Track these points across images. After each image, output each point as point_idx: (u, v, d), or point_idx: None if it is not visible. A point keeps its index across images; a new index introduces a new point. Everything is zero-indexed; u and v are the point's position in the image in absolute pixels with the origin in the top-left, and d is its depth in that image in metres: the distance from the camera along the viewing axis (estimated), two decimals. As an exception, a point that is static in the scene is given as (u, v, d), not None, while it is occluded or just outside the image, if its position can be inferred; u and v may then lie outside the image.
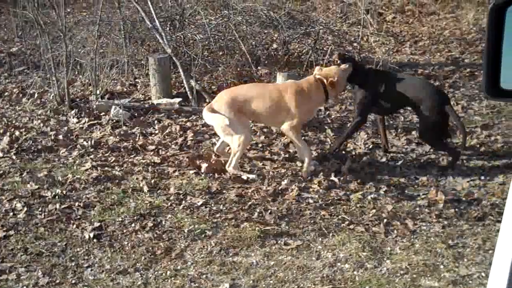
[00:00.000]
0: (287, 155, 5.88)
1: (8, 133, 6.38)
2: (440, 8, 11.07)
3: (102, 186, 5.31)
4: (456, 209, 4.85)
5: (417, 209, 4.90)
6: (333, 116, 6.83)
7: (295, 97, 5.43)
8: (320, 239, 4.49)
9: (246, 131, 5.42)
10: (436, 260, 4.20)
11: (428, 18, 10.86)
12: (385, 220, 4.68)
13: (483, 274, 4.02)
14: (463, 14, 10.70)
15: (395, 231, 4.57)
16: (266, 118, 5.63)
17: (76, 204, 4.98)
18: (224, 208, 4.94)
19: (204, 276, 4.08)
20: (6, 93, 7.80)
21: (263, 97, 5.47)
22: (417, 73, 8.20)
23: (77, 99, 7.28)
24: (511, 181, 1.67)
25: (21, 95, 7.68)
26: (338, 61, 5.85)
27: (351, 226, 4.63)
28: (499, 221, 4.49)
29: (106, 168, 5.63)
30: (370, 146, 6.10)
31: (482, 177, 5.41)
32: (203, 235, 4.54)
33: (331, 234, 4.54)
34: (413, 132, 6.32)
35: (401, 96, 5.55)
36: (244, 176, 5.41)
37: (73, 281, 4.04)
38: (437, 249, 4.33)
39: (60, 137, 6.34)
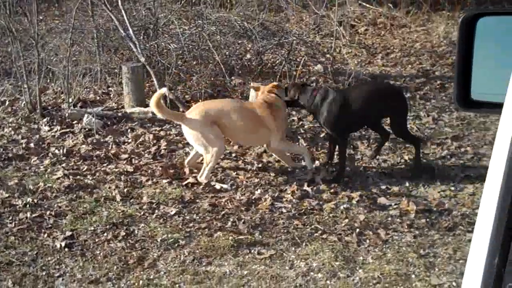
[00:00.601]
0: (260, 165, 5.89)
1: (-22, 141, 6.29)
2: (411, 21, 11.22)
3: (74, 195, 5.26)
4: (427, 219, 4.90)
5: (389, 219, 4.94)
6: (306, 126, 6.87)
7: (270, 114, 5.54)
8: (293, 248, 4.50)
9: (220, 142, 5.43)
10: (408, 269, 4.24)
11: (400, 30, 11.00)
12: (357, 230, 4.71)
13: (454, 283, 4.07)
14: (434, 27, 10.86)
15: (368, 241, 4.60)
16: (246, 138, 5.77)
17: (48, 212, 4.93)
18: (198, 217, 4.93)
19: (177, 285, 4.06)
20: (-23, 101, 7.68)
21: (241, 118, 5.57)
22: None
23: (49, 107, 7.20)
24: (483, 191, 1.69)
25: (-9, 102, 7.57)
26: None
27: (324, 236, 4.65)
28: (470, 231, 4.59)
29: (78, 177, 5.58)
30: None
31: (453, 188, 5.47)
32: (176, 245, 4.52)
33: (304, 244, 4.55)
34: (385, 143, 6.36)
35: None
36: (218, 186, 5.41)
37: (44, 291, 3.99)
38: (409, 258, 4.37)
39: (32, 145, 6.27)
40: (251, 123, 5.55)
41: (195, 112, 5.48)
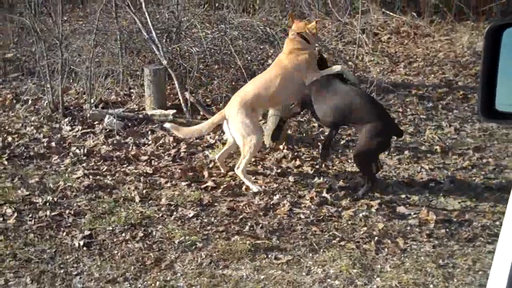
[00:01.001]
0: (279, 170, 5.89)
1: (0, 139, 6.37)
2: (435, 30, 11.16)
3: (94, 195, 5.31)
4: (447, 230, 4.87)
5: (408, 228, 4.92)
6: (326, 133, 6.85)
7: (296, 57, 5.64)
8: (310, 254, 4.50)
9: (258, 133, 5.50)
10: (426, 279, 4.21)
11: (423, 39, 10.94)
12: (376, 238, 4.69)
13: (472, 295, 4.04)
14: (458, 37, 10.79)
15: (386, 249, 4.58)
16: (287, 95, 5.73)
17: (67, 211, 4.98)
18: (215, 220, 4.94)
19: (194, 288, 4.08)
20: (0, 99, 7.78)
21: (271, 79, 5.61)
22: (411, 94, 8.26)
23: (71, 107, 7.28)
24: (508, 202, 1.68)
25: (14, 101, 7.65)
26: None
27: (342, 243, 4.64)
28: (490, 243, 4.56)
29: (98, 177, 5.63)
30: (363, 164, 6.11)
31: (474, 199, 5.43)
32: (193, 247, 4.54)
33: (321, 250, 4.55)
34: (405, 152, 6.36)
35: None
36: (250, 184, 5.42)
37: (62, 289, 4.03)
38: (427, 268, 4.34)
39: (53, 144, 6.34)
40: (284, 80, 5.58)
41: (233, 104, 5.56)
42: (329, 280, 4.19)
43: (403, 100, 7.99)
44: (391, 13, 11.28)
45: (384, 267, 4.36)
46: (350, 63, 9.05)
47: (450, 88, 8.54)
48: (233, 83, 7.87)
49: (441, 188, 5.64)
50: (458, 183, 5.77)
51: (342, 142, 6.59)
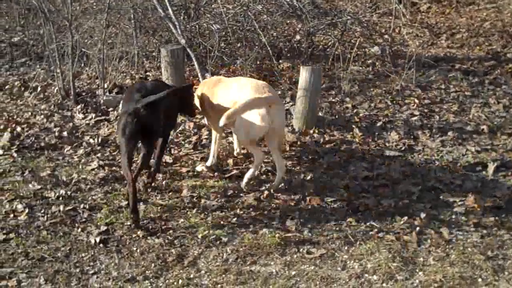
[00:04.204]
0: (310, 156, 5.87)
1: (9, 129, 6.46)
2: (480, -3, 11.00)
3: (110, 187, 5.35)
4: (496, 217, 4.83)
5: (453, 216, 4.88)
6: (361, 115, 6.82)
7: None
8: (346, 247, 4.49)
9: None
10: (474, 272, 4.18)
11: (467, 8, 10.80)
12: (417, 228, 4.66)
13: (525, 288, 4.00)
14: (505, 4, 10.61)
15: (429, 241, 4.55)
16: None
17: (81, 206, 5.03)
18: (241, 212, 4.95)
19: (219, 286, 4.10)
20: (7, 86, 7.87)
21: None
22: (454, 68, 8.15)
23: (83, 93, 7.34)
24: None
25: (23, 88, 7.74)
26: None
27: (380, 234, 4.62)
28: (544, 231, 4.50)
29: (114, 168, 5.68)
30: (402, 148, 6.08)
31: (525, 183, 5.38)
32: (218, 242, 4.56)
33: (358, 243, 4.53)
34: (449, 133, 6.29)
35: None
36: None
37: (78, 289, 4.09)
38: (475, 260, 4.30)
39: (65, 133, 6.40)
40: None
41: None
42: (366, 275, 4.17)
43: (446, 76, 7.91)
44: (430, -20, 11.14)
45: (427, 260, 4.33)
46: (386, 36, 8.96)
47: (498, 61, 8.43)
48: (258, 62, 7.86)
49: (489, 172, 5.56)
50: (508, 165, 5.70)
51: (378, 124, 6.53)
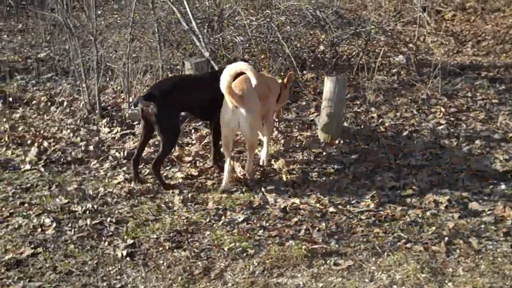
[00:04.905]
0: (336, 166, 5.85)
1: (36, 144, 6.53)
2: (506, 4, 10.91)
3: (136, 201, 5.38)
4: (527, 227, 4.77)
5: (482, 226, 4.83)
6: (386, 124, 6.78)
7: None
8: (373, 259, 4.45)
9: None
10: (504, 283, 4.12)
11: (492, 15, 10.72)
12: (446, 239, 4.61)
13: (558, 299, 3.93)
14: (532, 11, 10.54)
15: (458, 251, 4.50)
16: None
17: (108, 219, 5.05)
18: (268, 224, 4.94)
19: (246, 298, 4.09)
20: (34, 101, 7.98)
21: None
22: (481, 76, 8.09)
23: (109, 107, 7.40)
24: None
25: (49, 103, 7.85)
26: None
27: (408, 245, 4.58)
28: None
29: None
30: (429, 157, 6.03)
31: (556, 191, 5.30)
32: (244, 254, 4.55)
33: (385, 254, 4.50)
34: (476, 142, 6.24)
35: None
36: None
37: (105, 303, 4.11)
38: (505, 270, 4.24)
39: (91, 147, 6.46)
40: None
41: None
42: (395, 286, 4.13)
43: (472, 84, 7.85)
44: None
45: (456, 271, 4.28)
46: (410, 45, 8.92)
47: (525, 68, 8.35)
48: (282, 73, 7.86)
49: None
50: (538, 174, 5.63)
51: (404, 133, 6.50)
